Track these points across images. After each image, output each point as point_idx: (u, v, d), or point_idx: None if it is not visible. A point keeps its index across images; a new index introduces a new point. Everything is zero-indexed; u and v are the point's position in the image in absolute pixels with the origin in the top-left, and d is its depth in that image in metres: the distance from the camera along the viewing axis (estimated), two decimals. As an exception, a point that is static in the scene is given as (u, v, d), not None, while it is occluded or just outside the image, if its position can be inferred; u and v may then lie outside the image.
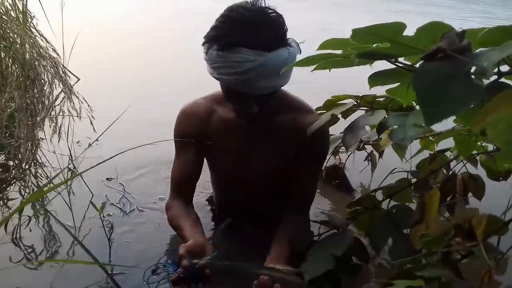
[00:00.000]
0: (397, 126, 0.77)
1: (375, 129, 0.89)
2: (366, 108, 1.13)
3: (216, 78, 1.07)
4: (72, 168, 1.61)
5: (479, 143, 1.07)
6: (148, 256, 1.22)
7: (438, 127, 1.06)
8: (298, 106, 1.22)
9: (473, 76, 0.59)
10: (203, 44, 1.07)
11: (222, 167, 1.32)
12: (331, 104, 1.22)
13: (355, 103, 1.15)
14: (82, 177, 1.55)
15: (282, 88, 1.15)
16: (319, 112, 1.25)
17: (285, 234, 1.12)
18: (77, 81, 2.88)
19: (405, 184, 1.07)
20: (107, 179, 1.71)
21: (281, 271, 0.93)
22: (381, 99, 1.13)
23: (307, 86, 2.24)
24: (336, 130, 1.42)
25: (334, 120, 1.10)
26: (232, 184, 1.34)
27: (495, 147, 1.16)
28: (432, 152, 1.39)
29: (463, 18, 9.42)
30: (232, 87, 1.05)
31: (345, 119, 1.18)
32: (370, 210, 1.08)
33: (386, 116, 0.88)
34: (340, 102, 1.21)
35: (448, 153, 1.35)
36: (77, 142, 2.01)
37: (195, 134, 1.22)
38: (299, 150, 1.20)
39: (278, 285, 0.87)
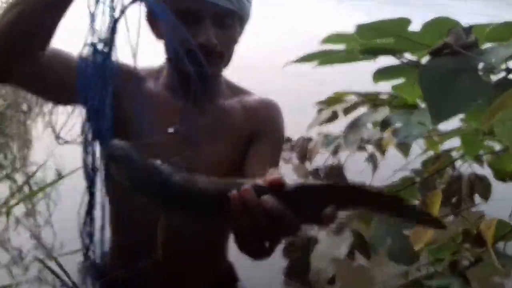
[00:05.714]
0: (401, 124, 0.76)
1: (377, 127, 0.87)
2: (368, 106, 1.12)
3: None
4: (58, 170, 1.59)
5: (485, 142, 1.05)
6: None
7: (444, 126, 1.05)
8: (240, 89, 1.01)
9: (480, 73, 0.58)
10: None
11: None
12: (333, 100, 1.20)
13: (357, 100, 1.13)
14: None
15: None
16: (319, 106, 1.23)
17: None
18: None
19: (408, 183, 1.06)
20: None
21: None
22: (384, 96, 1.11)
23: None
24: (336, 128, 1.39)
25: (334, 116, 1.09)
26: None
27: (502, 147, 1.15)
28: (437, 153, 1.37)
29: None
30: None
31: (345, 115, 1.16)
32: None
33: (389, 114, 0.86)
34: (343, 98, 1.19)
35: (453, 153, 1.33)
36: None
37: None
38: (253, 133, 0.95)
39: (270, 196, 0.50)
